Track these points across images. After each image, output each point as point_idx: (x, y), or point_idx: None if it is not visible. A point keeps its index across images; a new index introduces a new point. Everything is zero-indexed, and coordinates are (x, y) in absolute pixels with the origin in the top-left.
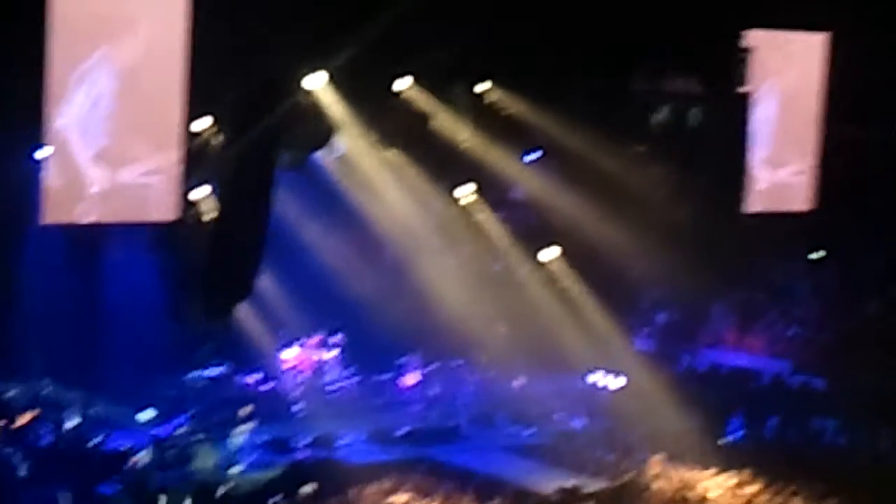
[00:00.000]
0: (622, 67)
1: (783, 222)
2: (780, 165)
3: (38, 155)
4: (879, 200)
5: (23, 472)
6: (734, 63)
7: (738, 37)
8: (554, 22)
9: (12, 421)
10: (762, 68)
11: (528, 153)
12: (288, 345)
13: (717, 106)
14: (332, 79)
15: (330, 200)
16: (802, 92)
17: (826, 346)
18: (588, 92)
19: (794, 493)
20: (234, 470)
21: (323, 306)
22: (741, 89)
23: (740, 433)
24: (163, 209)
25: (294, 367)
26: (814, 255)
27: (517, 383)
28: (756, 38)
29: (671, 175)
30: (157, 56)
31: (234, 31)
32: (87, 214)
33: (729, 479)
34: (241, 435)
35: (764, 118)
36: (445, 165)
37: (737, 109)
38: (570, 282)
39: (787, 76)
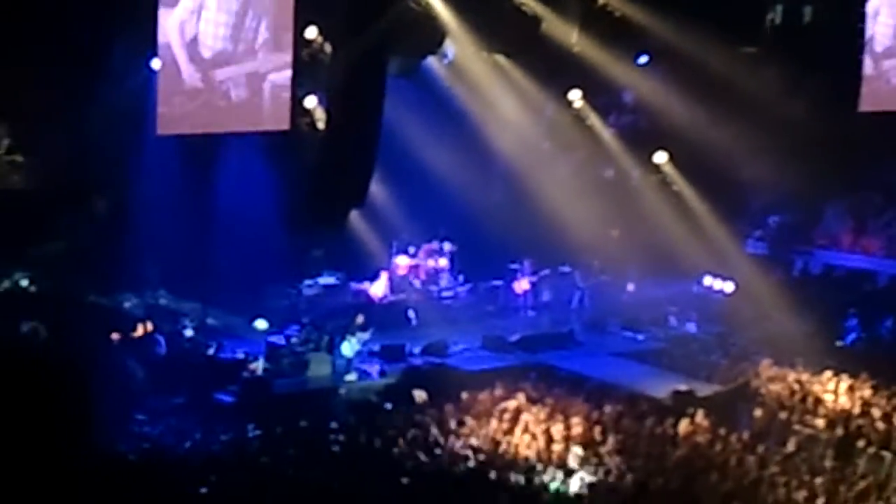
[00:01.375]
0: None
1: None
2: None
3: (153, 65)
4: None
5: (142, 381)
6: None
7: None
8: None
9: (132, 331)
10: None
11: (638, 56)
12: (400, 252)
13: (830, 3)
14: None
15: (441, 107)
16: None
17: None
18: None
19: None
20: (349, 377)
21: (434, 214)
22: None
23: (855, 335)
24: (276, 117)
25: (407, 275)
26: None
27: (629, 288)
28: None
29: (784, 75)
30: None
31: None
32: (200, 124)
33: (843, 382)
34: (355, 342)
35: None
36: (555, 70)
37: (851, 7)
38: (681, 186)
39: None
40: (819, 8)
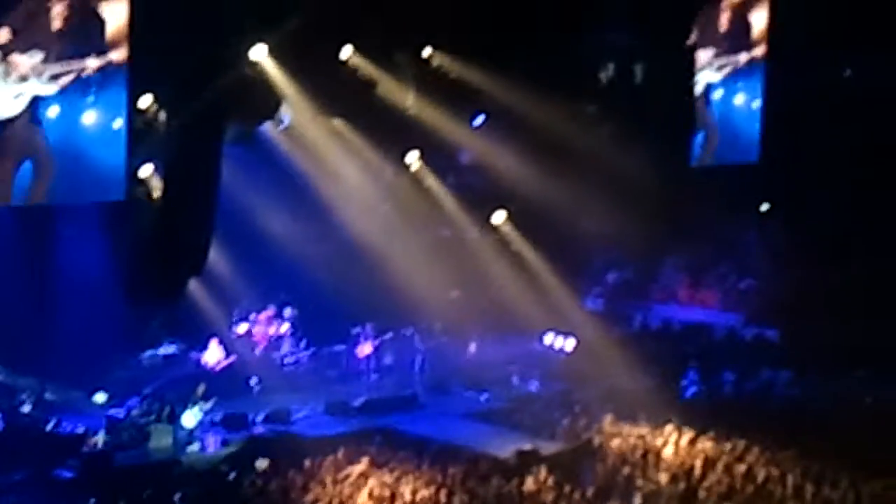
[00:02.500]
0: (566, 25)
1: (731, 175)
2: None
3: None
4: (825, 151)
5: None
6: (678, 17)
7: None
8: None
9: None
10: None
11: (473, 117)
12: (241, 320)
13: (662, 61)
14: (275, 50)
15: (278, 173)
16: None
17: (778, 297)
18: (531, 52)
19: (749, 447)
20: (192, 448)
21: (274, 280)
22: (686, 43)
23: (695, 389)
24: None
25: (247, 342)
26: (763, 207)
27: (471, 349)
28: None
29: (618, 132)
30: None
31: (175, 6)
32: (27, 197)
33: (685, 436)
34: (196, 412)
35: None
36: (392, 133)
37: (682, 63)
38: (520, 245)
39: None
40: (651, 65)
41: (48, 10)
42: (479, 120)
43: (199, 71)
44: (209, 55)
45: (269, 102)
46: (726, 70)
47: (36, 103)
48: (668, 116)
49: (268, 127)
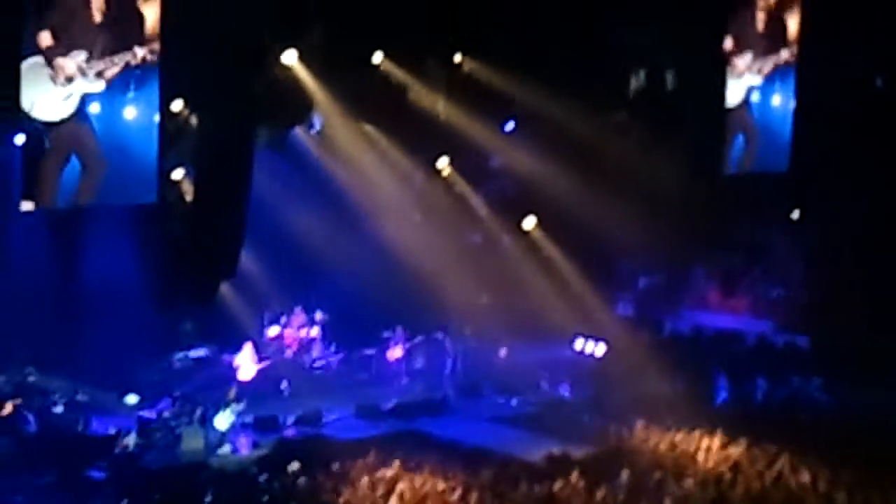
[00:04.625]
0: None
1: (762, 182)
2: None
3: (17, 140)
4: (858, 157)
5: (12, 459)
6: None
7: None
8: None
9: None
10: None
11: (504, 123)
12: (272, 323)
13: (694, 67)
14: (306, 55)
15: (310, 177)
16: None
17: (809, 304)
18: (562, 58)
19: (780, 453)
20: (223, 450)
21: (306, 284)
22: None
23: (725, 395)
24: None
25: (278, 346)
26: (794, 215)
27: (501, 353)
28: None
29: (649, 139)
30: None
31: (208, 10)
32: (67, 199)
33: (715, 441)
34: (228, 415)
35: None
36: (423, 138)
37: (714, 69)
38: (551, 250)
39: None
40: (682, 72)
41: (88, 6)
42: (510, 126)
43: (231, 75)
44: (241, 59)
45: (300, 107)
46: (766, 71)
47: (84, 102)
48: (699, 122)
49: (299, 132)
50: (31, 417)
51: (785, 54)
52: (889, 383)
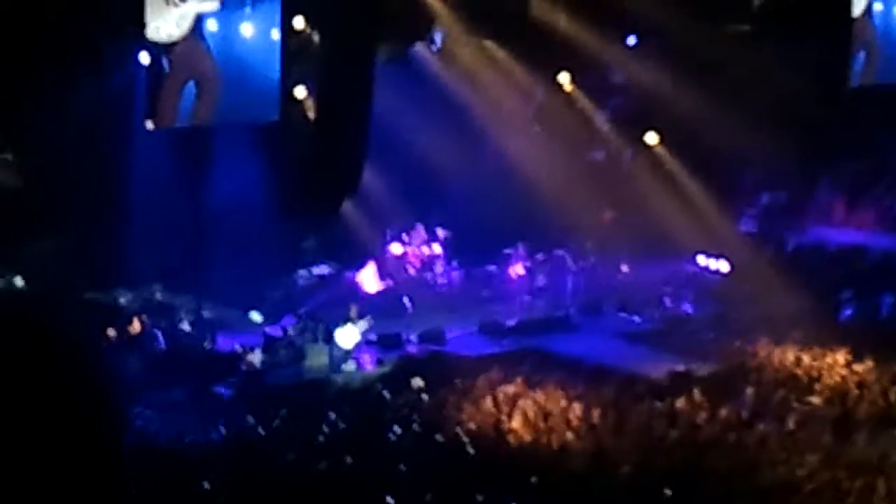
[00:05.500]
0: None
1: (889, 95)
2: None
3: (141, 59)
4: None
5: (141, 376)
6: None
7: None
8: None
9: (128, 326)
10: None
11: (626, 37)
12: (394, 240)
13: None
14: None
15: (430, 93)
16: None
17: None
18: None
19: None
20: (347, 367)
21: (427, 201)
22: None
23: (850, 311)
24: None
25: (400, 263)
26: None
27: (624, 270)
28: None
29: (773, 52)
30: None
31: None
32: (186, 119)
33: (839, 358)
34: (351, 332)
35: None
36: (544, 53)
37: None
38: (673, 166)
39: None
40: None
41: None
42: (632, 40)
43: None
44: None
45: (421, 23)
46: None
47: (201, 22)
48: (824, 35)
49: (420, 47)
50: (158, 334)
51: None
52: None
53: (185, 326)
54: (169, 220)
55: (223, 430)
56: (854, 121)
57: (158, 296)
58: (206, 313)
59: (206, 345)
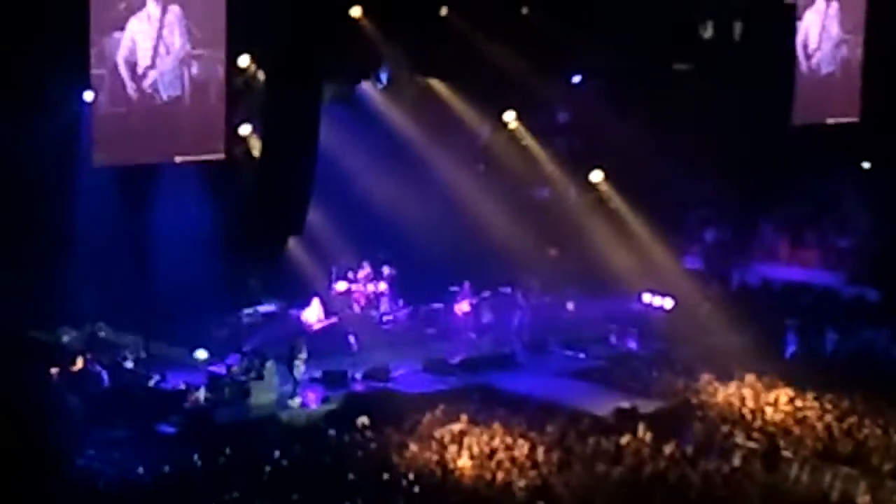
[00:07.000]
0: None
1: (830, 133)
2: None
3: (85, 97)
4: None
5: (84, 414)
6: None
7: None
8: None
9: (71, 364)
10: None
11: (571, 76)
12: (340, 278)
13: (762, 19)
14: (373, 9)
15: (376, 131)
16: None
17: (878, 256)
18: (629, 10)
19: (850, 406)
20: (292, 404)
21: (373, 238)
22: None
23: (794, 348)
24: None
25: (346, 300)
26: (864, 165)
27: (569, 307)
28: None
29: (717, 91)
30: None
31: None
32: (136, 155)
33: (784, 394)
34: (296, 369)
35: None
36: (489, 92)
37: (781, 21)
38: (618, 204)
39: None
40: (750, 23)
41: None
42: (577, 79)
43: (297, 30)
44: (307, 14)
45: (367, 61)
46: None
47: None
48: (766, 73)
49: (366, 86)
50: (102, 372)
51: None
52: None
53: (129, 364)
54: (113, 257)
55: (167, 468)
56: (797, 158)
57: (102, 333)
58: (150, 351)
59: (150, 383)
